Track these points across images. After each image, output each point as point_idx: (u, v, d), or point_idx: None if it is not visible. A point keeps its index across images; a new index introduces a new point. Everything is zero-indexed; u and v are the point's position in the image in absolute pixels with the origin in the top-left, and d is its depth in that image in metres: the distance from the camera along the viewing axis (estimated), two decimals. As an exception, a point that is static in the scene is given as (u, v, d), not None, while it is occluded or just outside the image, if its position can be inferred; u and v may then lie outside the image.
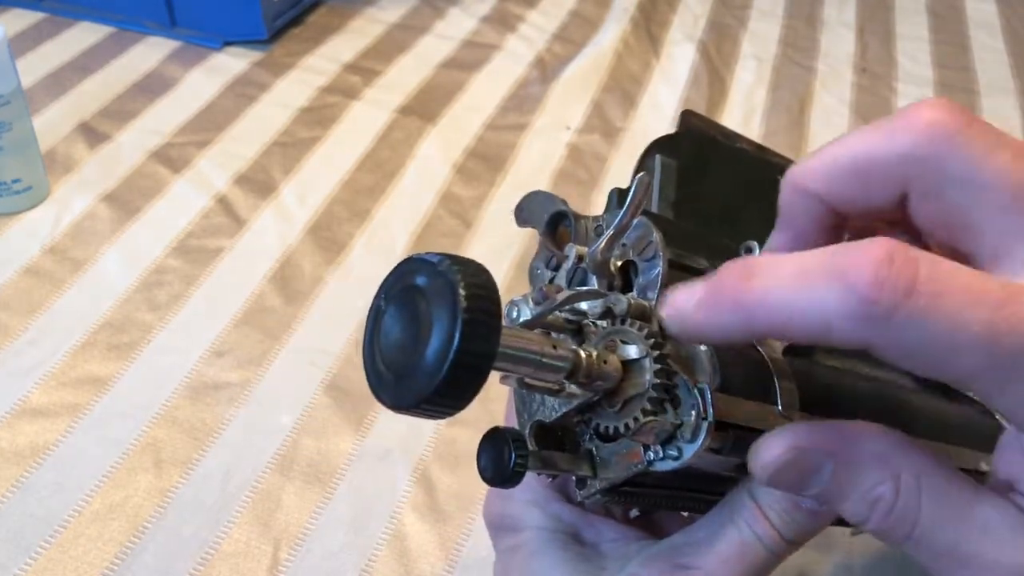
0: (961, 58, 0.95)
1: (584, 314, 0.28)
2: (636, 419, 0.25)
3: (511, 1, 0.99)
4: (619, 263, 0.29)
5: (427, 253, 0.23)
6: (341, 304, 0.59)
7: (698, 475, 0.29)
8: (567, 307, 0.27)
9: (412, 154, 0.74)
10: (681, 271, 0.28)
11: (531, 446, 0.29)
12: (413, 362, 0.22)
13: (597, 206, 0.70)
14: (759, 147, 0.36)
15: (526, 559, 0.31)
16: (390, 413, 0.56)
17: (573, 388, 0.26)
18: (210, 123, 0.76)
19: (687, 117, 0.34)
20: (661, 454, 0.26)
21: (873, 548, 0.47)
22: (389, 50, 0.89)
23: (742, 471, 0.28)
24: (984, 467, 0.35)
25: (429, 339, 0.22)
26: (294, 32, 0.90)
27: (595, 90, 0.84)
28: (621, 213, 0.27)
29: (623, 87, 0.85)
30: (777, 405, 0.27)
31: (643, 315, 0.27)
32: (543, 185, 0.72)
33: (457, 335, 0.21)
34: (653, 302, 0.27)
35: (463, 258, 0.23)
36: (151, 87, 0.80)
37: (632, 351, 0.26)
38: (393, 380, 0.23)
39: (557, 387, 0.26)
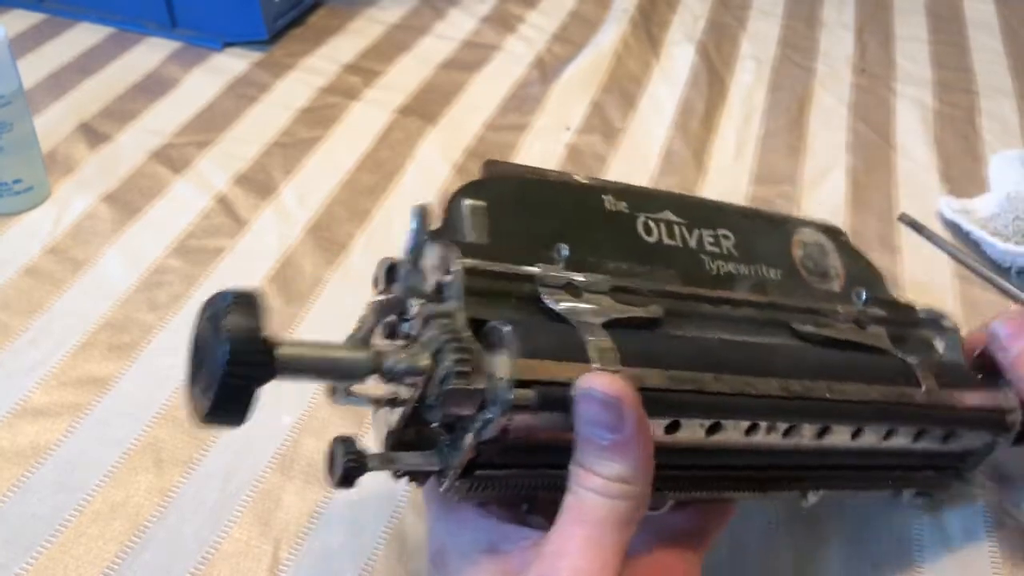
0: (960, 59, 0.95)
1: (410, 336, 0.32)
2: (446, 392, 0.29)
3: (511, 1, 0.99)
4: (430, 285, 0.33)
5: (227, 288, 0.28)
6: (341, 304, 0.59)
7: (547, 448, 0.31)
8: (401, 337, 0.32)
9: (412, 154, 0.74)
10: (483, 278, 0.32)
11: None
12: (203, 382, 0.27)
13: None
14: (569, 177, 0.39)
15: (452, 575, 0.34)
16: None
17: (404, 394, 0.30)
18: (210, 123, 0.76)
19: (490, 165, 0.37)
20: (481, 422, 0.29)
21: (869, 548, 0.47)
22: (389, 50, 0.89)
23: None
24: None
25: (208, 361, 0.26)
26: (294, 33, 0.90)
27: (595, 90, 0.84)
28: (409, 243, 0.33)
29: (623, 87, 0.85)
30: (589, 362, 0.31)
31: (447, 315, 0.31)
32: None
33: (221, 355, 0.26)
34: (456, 304, 0.31)
35: (239, 289, 0.27)
36: (151, 87, 0.80)
37: (437, 343, 0.30)
38: (199, 396, 0.27)
39: (386, 396, 0.30)
